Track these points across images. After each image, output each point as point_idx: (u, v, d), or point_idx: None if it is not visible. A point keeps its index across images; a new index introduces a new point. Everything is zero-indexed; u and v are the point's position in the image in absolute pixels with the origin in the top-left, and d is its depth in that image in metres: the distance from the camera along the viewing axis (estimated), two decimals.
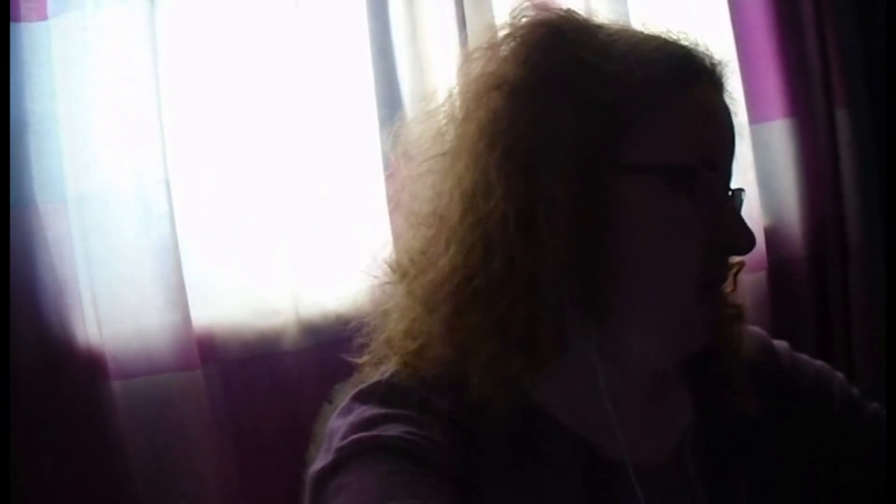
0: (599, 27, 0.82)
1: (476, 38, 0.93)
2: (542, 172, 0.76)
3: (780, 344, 0.95)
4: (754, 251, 1.69)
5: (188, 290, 1.43)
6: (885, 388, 1.01)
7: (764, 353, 0.92)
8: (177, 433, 1.40)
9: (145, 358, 1.40)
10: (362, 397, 0.81)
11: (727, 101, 0.84)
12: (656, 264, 0.78)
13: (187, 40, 1.50)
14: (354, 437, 0.76)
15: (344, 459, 0.75)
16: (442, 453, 0.75)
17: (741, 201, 0.85)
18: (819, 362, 0.95)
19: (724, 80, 0.84)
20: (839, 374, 0.94)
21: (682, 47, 0.82)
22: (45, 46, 1.38)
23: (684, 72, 0.80)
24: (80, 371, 1.38)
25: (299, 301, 1.52)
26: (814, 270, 1.88)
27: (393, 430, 0.75)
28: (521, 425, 0.80)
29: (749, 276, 1.79)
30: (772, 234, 1.86)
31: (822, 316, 1.89)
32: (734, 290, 0.88)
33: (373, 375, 0.84)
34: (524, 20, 0.82)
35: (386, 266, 0.86)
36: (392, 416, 0.77)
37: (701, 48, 0.83)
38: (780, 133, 1.87)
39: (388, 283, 0.85)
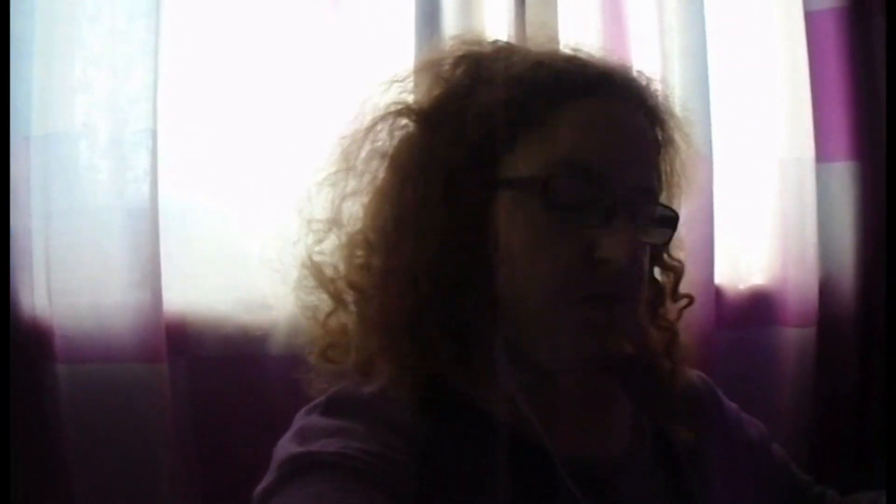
0: (513, 52, 0.89)
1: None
2: (418, 185, 0.85)
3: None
4: (805, 304, 1.63)
5: (163, 265, 1.21)
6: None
7: (705, 385, 1.05)
8: (129, 435, 1.18)
9: (101, 341, 1.18)
10: (307, 411, 0.87)
11: (636, 111, 0.88)
12: (530, 275, 0.83)
13: None
14: (295, 452, 0.79)
15: (285, 477, 0.77)
16: (383, 465, 0.77)
17: (655, 216, 0.87)
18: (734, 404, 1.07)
19: (634, 92, 0.89)
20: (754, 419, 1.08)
21: (572, 61, 0.87)
22: None
23: (563, 85, 0.85)
24: (20, 346, 1.15)
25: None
26: (863, 331, 1.82)
27: (332, 446, 0.78)
28: (462, 426, 0.84)
29: (797, 331, 1.73)
30: (825, 287, 1.79)
31: (865, 381, 1.82)
32: (678, 319, 0.97)
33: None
34: (443, 55, 0.91)
35: (304, 269, 0.94)
36: (332, 430, 0.81)
37: (604, 62, 0.89)
38: (843, 176, 1.83)
39: (306, 285, 0.94)
